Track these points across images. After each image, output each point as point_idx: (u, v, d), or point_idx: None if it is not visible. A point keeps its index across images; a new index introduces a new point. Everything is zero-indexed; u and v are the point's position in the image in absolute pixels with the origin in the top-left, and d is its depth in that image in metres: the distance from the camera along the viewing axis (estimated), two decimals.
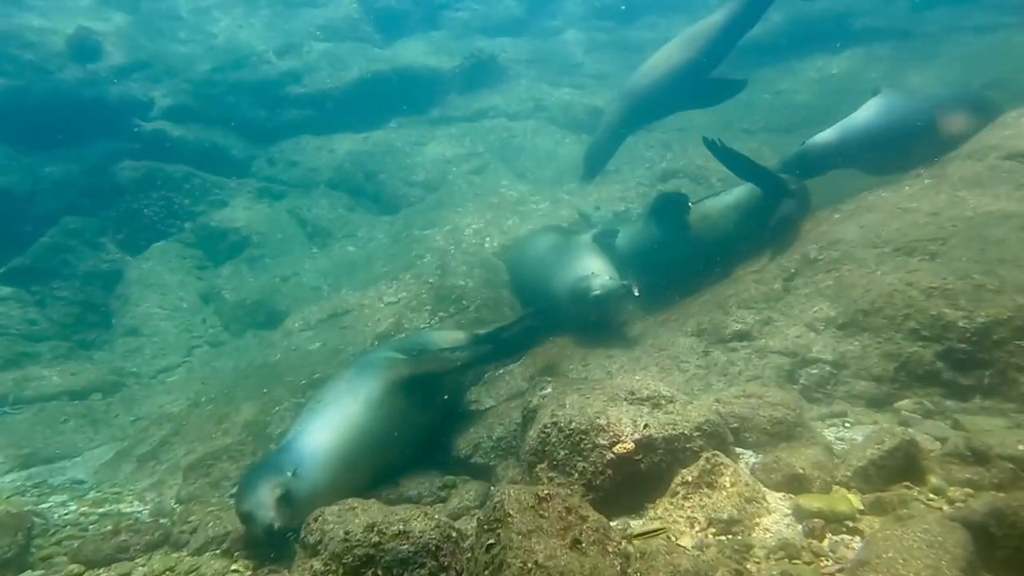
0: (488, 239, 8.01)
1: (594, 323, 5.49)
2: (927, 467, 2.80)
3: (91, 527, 4.08)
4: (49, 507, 4.46)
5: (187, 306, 7.80)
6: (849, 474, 2.89)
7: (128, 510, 4.33)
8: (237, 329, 7.83)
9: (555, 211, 8.40)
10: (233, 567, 3.35)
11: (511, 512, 2.41)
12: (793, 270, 4.60)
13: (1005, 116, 5.16)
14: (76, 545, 3.75)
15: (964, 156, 4.87)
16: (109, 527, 3.97)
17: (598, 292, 5.13)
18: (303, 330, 7.05)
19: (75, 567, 3.61)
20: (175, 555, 3.64)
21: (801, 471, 2.94)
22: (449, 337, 5.33)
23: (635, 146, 9.34)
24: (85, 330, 7.36)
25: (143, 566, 3.53)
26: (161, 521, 4.01)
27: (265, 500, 3.45)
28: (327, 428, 3.91)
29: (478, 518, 2.57)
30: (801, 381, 4.01)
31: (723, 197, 5.86)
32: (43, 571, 3.56)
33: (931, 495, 2.72)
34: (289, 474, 3.61)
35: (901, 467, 2.79)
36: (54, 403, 6.08)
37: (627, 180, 8.73)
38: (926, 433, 3.11)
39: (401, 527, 2.65)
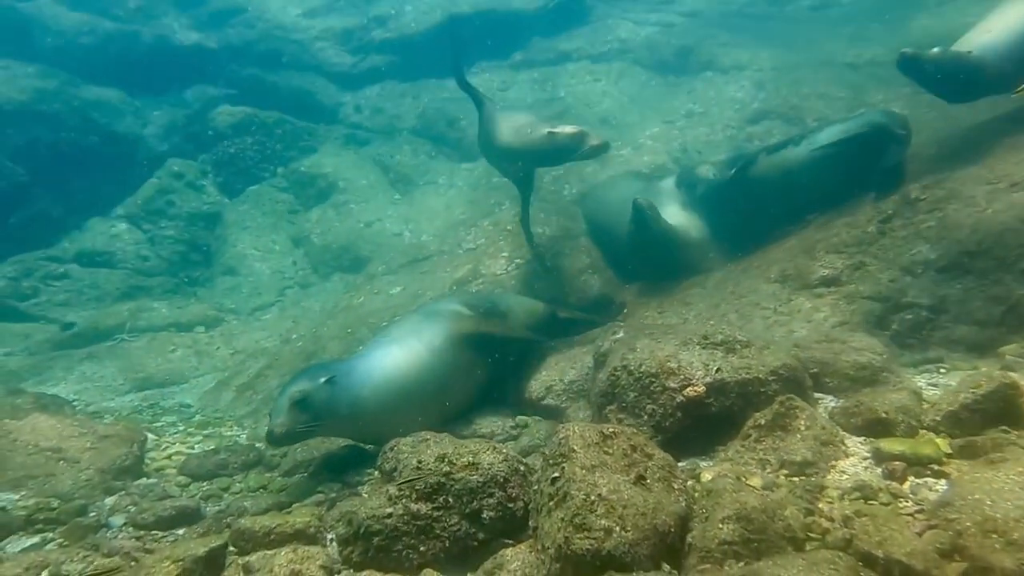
0: (567, 186, 7.93)
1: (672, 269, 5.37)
2: None
3: (196, 446, 4.48)
4: (161, 426, 4.92)
5: (279, 248, 8.20)
6: (938, 418, 2.74)
7: (228, 434, 4.71)
8: (325, 272, 8.17)
9: (637, 157, 8.18)
10: (319, 488, 3.59)
11: (575, 448, 2.45)
12: (890, 211, 4.30)
13: None
14: (183, 460, 4.13)
15: None
16: (212, 447, 4.35)
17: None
18: (385, 274, 7.28)
19: (182, 479, 3.98)
20: (267, 475, 3.94)
21: (884, 415, 2.82)
22: (527, 307, 5.15)
23: (724, 87, 8.90)
24: (190, 268, 7.92)
25: (240, 482, 3.85)
26: (257, 445, 4.34)
27: (281, 405, 3.51)
28: (388, 357, 3.94)
29: (543, 452, 2.62)
30: (893, 327, 3.80)
31: (806, 144, 5.10)
32: (155, 479, 3.96)
33: None
34: (322, 380, 3.62)
35: (998, 411, 2.61)
36: (164, 333, 6.63)
37: (715, 122, 8.36)
38: None
39: (470, 459, 2.75)
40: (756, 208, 5.24)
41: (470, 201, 8.30)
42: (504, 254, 6.71)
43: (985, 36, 4.50)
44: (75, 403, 5.30)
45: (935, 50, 4.51)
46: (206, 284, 7.76)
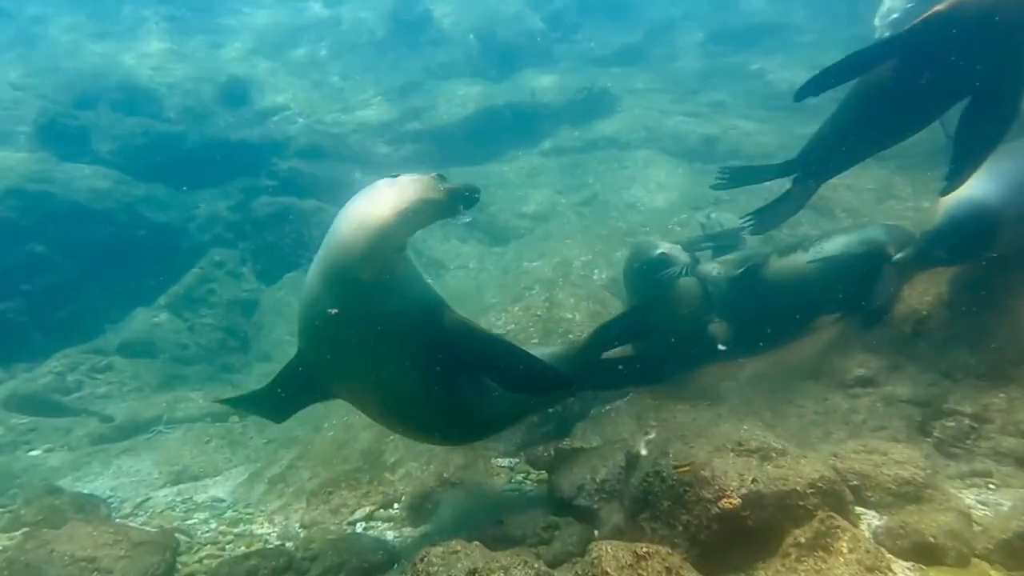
0: (596, 271, 8.01)
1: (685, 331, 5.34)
2: None
3: (227, 546, 4.47)
4: (193, 523, 4.93)
5: None
6: (991, 547, 2.62)
7: (259, 531, 4.70)
8: None
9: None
10: None
11: (608, 570, 2.40)
12: (925, 312, 4.25)
13: None
14: (214, 565, 4.12)
15: None
16: (242, 548, 4.33)
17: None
18: None
19: None
20: None
21: (932, 539, 2.71)
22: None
23: None
24: (227, 355, 8.09)
25: None
26: (286, 546, 4.31)
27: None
28: None
29: (575, 573, 2.57)
30: (935, 434, 3.70)
31: (814, 251, 5.27)
32: None
33: None
34: None
35: None
36: (199, 424, 6.72)
37: (743, 210, 8.39)
38: None
39: (502, 575, 2.70)
40: (764, 307, 5.31)
41: (500, 285, 8.41)
42: (534, 340, 6.74)
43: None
44: (111, 500, 5.36)
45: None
46: (242, 371, 7.90)
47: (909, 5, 7.44)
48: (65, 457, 6.10)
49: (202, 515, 5.04)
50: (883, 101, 4.54)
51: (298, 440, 6.31)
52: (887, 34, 8.20)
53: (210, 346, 8.01)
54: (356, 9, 13.89)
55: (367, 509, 4.77)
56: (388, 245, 3.60)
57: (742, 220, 5.66)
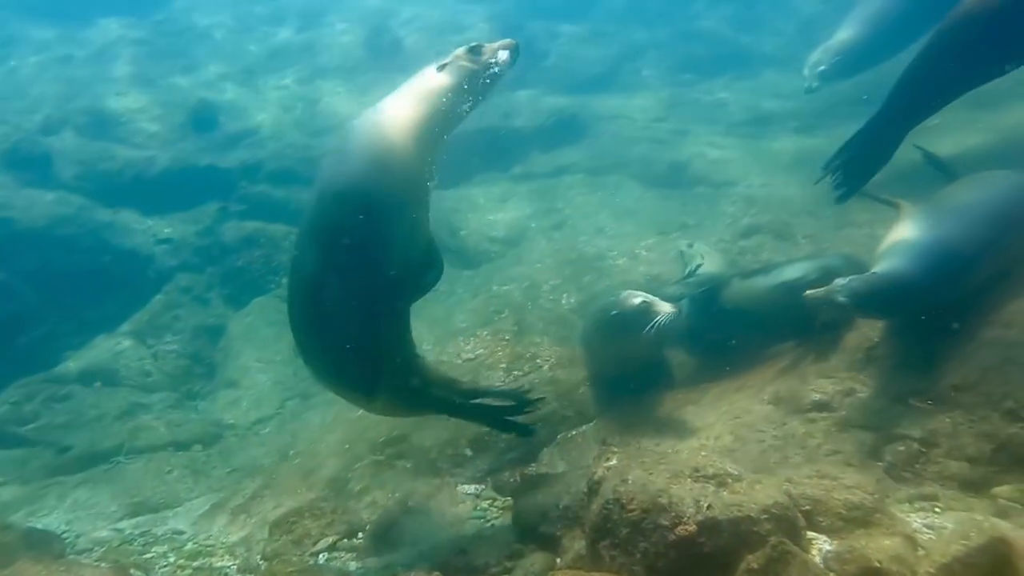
0: (565, 295, 8.09)
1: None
2: (1022, 569, 2.58)
3: None
4: (151, 557, 4.83)
5: (280, 359, 8.27)
6: (932, 570, 2.69)
7: (219, 564, 4.63)
8: None
9: (634, 267, 8.38)
10: None
11: None
12: (876, 339, 4.39)
13: None
14: None
15: None
16: None
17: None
18: None
19: None
20: None
21: (878, 564, 2.78)
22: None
23: (716, 201, 9.25)
24: (191, 381, 7.97)
25: None
26: None
27: None
28: None
29: None
30: (887, 458, 3.80)
31: (775, 275, 5.42)
32: None
33: None
34: None
35: (990, 566, 2.58)
36: (161, 454, 6.59)
37: (707, 235, 8.61)
38: None
39: None
40: (724, 330, 5.42)
41: (470, 309, 8.43)
42: (502, 365, 6.78)
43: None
44: (65, 535, 5.23)
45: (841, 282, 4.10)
46: (207, 398, 7.79)
47: (836, 59, 7.68)
48: (18, 491, 5.95)
49: (161, 548, 4.94)
50: (982, 29, 4.29)
51: (263, 469, 6.24)
52: (816, 84, 8.47)
53: (175, 373, 7.89)
54: (328, 35, 13.98)
55: (330, 539, 4.73)
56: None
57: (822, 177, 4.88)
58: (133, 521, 5.46)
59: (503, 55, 4.02)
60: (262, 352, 8.42)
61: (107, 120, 10.01)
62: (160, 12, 14.80)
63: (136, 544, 5.01)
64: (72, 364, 7.82)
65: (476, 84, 4.02)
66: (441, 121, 4.03)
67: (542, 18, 15.32)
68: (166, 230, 9.15)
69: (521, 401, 4.53)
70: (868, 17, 7.97)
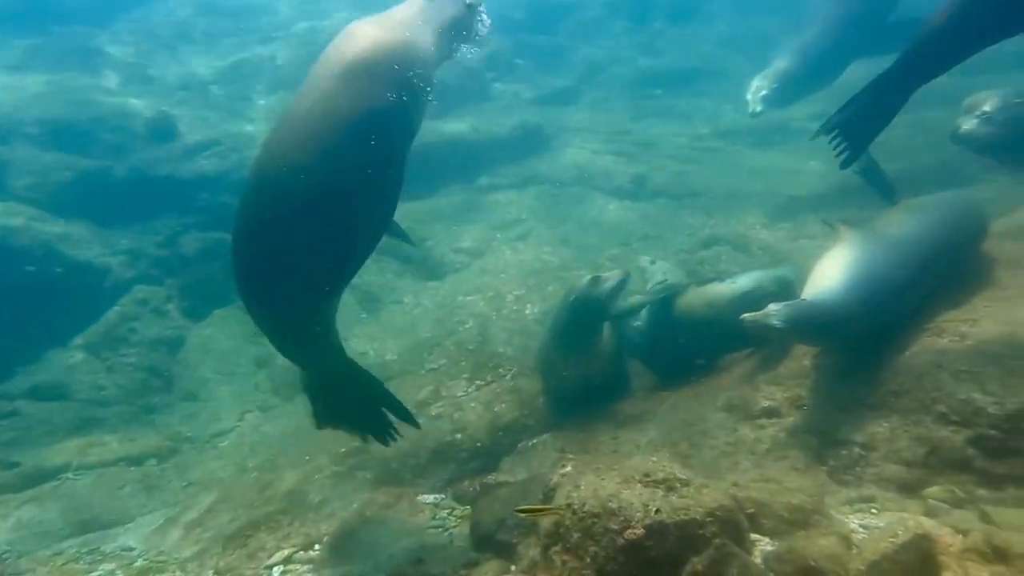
0: (529, 305, 8.15)
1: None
2: (945, 563, 2.70)
3: None
4: None
5: (241, 371, 8.17)
6: (863, 568, 2.80)
7: None
8: (287, 394, 8.11)
9: None
10: None
11: None
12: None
13: None
14: None
15: (1002, 234, 4.77)
16: None
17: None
18: None
19: None
20: None
21: (813, 563, 2.87)
22: None
23: (676, 213, 9.44)
24: (149, 395, 7.80)
25: None
26: None
27: None
28: None
29: None
30: (830, 462, 3.92)
31: (729, 282, 5.62)
32: None
33: None
34: None
35: (916, 562, 2.69)
36: (113, 469, 6.42)
37: (668, 246, 8.78)
38: (951, 525, 2.99)
39: None
40: (680, 338, 5.56)
41: (436, 320, 8.45)
42: (465, 375, 6.81)
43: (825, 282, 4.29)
44: (6, 556, 5.07)
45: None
46: (164, 411, 7.63)
47: (775, 86, 7.99)
48: None
49: (109, 566, 4.82)
50: None
51: (220, 482, 6.15)
52: (759, 108, 8.78)
53: (131, 387, 7.72)
54: (292, 48, 13.93)
55: (286, 552, 4.68)
56: None
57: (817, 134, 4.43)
58: (81, 539, 5.32)
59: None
60: (222, 364, 8.31)
61: (62, 131, 9.80)
62: (118, 22, 14.60)
63: (82, 563, 4.88)
64: (21, 379, 7.60)
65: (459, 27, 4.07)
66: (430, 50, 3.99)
67: (509, 32, 15.50)
68: (123, 242, 8.97)
69: (403, 414, 4.56)
70: (803, 48, 8.42)
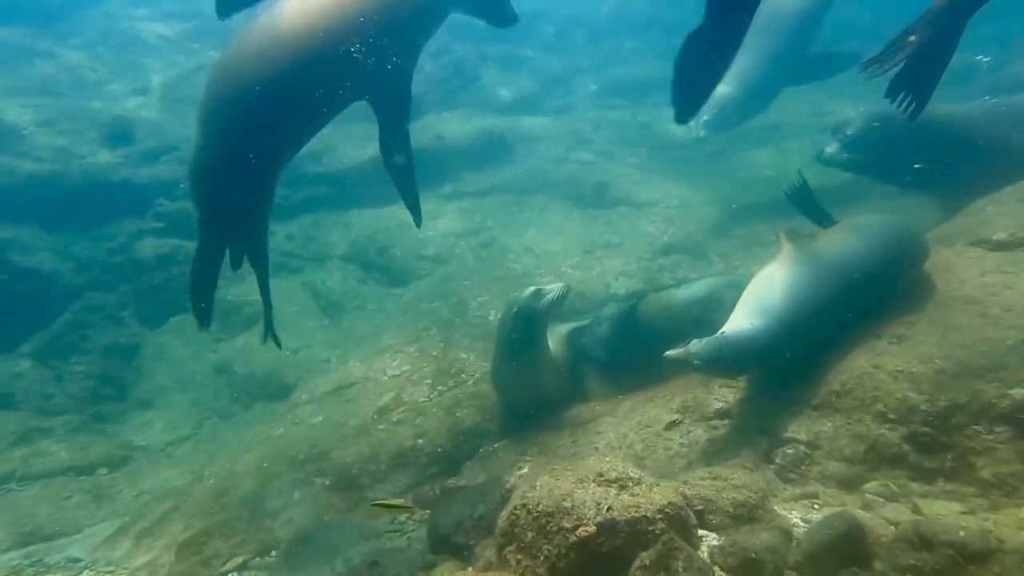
0: (492, 312, 8.19)
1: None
2: (875, 552, 2.82)
3: None
4: None
5: (199, 379, 8.05)
6: (800, 559, 2.91)
7: None
8: (247, 401, 8.02)
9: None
10: None
11: None
12: None
13: (973, 204, 5.33)
14: None
15: (935, 240, 4.99)
16: None
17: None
18: (308, 403, 7.21)
19: None
20: None
21: (755, 555, 2.97)
22: None
23: (637, 221, 9.59)
24: (100, 403, 7.62)
25: None
26: None
27: None
28: None
29: None
30: (777, 461, 4.04)
31: (686, 290, 5.79)
32: None
33: None
34: None
35: (849, 552, 2.81)
36: (60, 479, 6.26)
37: (629, 254, 8.92)
38: (885, 517, 3.12)
39: None
40: (640, 343, 5.67)
41: (399, 326, 8.44)
42: (428, 381, 6.82)
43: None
44: None
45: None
46: (116, 420, 7.46)
47: (716, 112, 8.35)
48: None
49: None
50: None
51: (175, 491, 6.03)
52: (702, 133, 9.11)
53: (81, 395, 7.52)
54: None
55: (241, 558, 4.63)
56: None
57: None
58: (23, 551, 5.15)
59: None
60: (179, 371, 8.17)
61: (7, 133, 9.54)
62: (69, 23, 14.27)
63: (25, 574, 4.74)
64: None
65: None
66: None
67: (473, 41, 15.62)
68: (74, 247, 8.76)
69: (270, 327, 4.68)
70: (741, 76, 8.92)
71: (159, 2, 15.53)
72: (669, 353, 4.28)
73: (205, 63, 13.76)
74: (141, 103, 11.59)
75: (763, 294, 4.34)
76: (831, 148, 6.81)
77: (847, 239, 4.72)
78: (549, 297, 5.49)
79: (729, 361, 4.24)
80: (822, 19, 9.23)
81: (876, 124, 6.52)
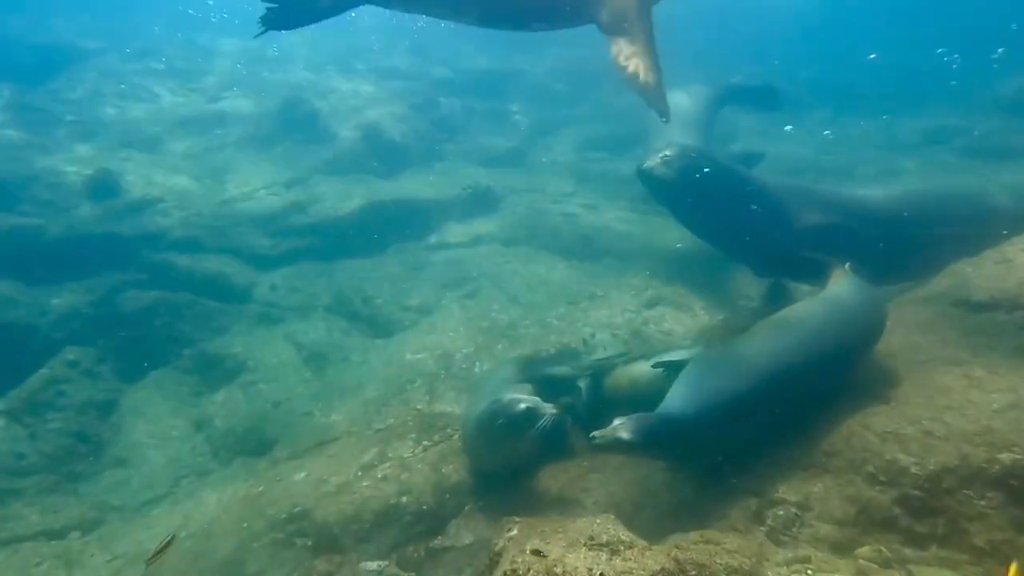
0: (478, 363, 8.17)
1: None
2: None
3: None
4: None
5: (177, 434, 7.86)
6: None
7: None
8: (226, 457, 7.83)
9: (545, 336, 8.58)
10: None
11: None
12: None
13: (952, 267, 5.46)
14: None
15: (918, 301, 5.10)
16: None
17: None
18: (290, 459, 7.07)
19: None
20: None
21: None
22: None
23: (622, 273, 9.69)
24: (74, 462, 7.38)
25: None
26: None
27: None
28: None
29: None
30: (768, 522, 4.00)
31: (654, 359, 5.64)
32: None
33: None
34: None
35: None
36: (30, 544, 6.01)
37: (614, 306, 8.97)
38: None
39: None
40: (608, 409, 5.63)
41: (383, 379, 8.36)
42: (412, 435, 6.72)
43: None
44: None
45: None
46: (91, 479, 7.22)
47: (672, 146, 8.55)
48: None
49: None
50: None
51: (148, 555, 5.82)
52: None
53: (55, 454, 7.29)
54: (241, 105, 14.00)
55: None
56: None
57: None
58: None
59: None
60: (157, 427, 7.98)
61: None
62: (54, 81, 14.43)
63: None
64: None
65: None
66: None
67: (458, 94, 15.97)
68: (54, 301, 8.64)
69: None
70: (690, 123, 10.16)
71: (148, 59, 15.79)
72: (595, 435, 4.14)
73: (188, 116, 13.93)
74: (126, 156, 11.64)
75: (701, 377, 4.25)
76: (651, 162, 7.34)
77: (793, 323, 4.63)
78: (540, 424, 5.06)
79: (658, 444, 4.13)
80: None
81: (695, 155, 7.20)
